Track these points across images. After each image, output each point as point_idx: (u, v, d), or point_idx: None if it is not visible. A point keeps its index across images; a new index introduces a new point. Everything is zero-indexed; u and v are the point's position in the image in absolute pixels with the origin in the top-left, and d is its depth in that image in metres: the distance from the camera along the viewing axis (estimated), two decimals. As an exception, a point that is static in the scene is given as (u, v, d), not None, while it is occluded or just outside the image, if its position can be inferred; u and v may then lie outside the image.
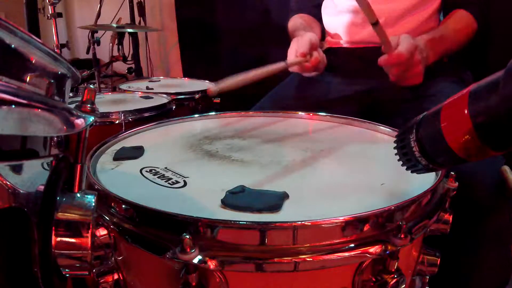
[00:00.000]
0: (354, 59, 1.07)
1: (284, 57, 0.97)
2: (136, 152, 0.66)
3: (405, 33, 1.01)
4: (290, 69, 0.99)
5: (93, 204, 0.36)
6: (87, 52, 1.99)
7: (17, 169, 0.33)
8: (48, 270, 0.34)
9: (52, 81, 0.34)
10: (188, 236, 0.39)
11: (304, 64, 0.95)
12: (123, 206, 0.46)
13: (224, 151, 0.67)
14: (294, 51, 0.97)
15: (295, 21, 1.18)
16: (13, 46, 0.28)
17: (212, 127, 0.84)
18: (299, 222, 0.41)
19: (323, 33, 1.17)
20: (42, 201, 0.34)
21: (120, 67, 2.35)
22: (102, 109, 0.75)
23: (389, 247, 0.42)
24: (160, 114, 1.09)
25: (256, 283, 0.44)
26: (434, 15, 1.03)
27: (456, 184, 0.53)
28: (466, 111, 0.37)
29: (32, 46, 0.30)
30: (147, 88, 1.43)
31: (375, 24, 0.81)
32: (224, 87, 0.79)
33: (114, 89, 1.96)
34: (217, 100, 1.37)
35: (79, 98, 0.37)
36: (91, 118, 0.35)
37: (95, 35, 1.95)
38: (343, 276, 0.45)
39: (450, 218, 0.52)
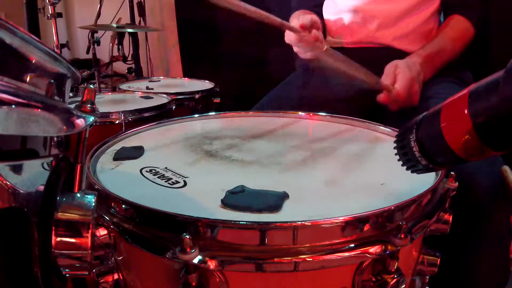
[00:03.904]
0: (354, 59, 1.07)
1: (284, 57, 0.96)
2: (136, 152, 0.66)
3: (405, 34, 1.01)
4: (286, 39, 0.95)
5: (93, 204, 0.36)
6: (87, 52, 1.99)
7: (17, 169, 0.33)
8: (48, 270, 0.34)
9: (52, 81, 0.34)
10: (188, 236, 0.39)
11: (301, 34, 0.92)
12: (123, 206, 0.46)
13: (224, 151, 0.67)
14: (295, 24, 0.95)
15: (296, 15, 1.17)
16: (13, 46, 0.28)
17: (212, 127, 0.84)
18: (299, 222, 0.41)
19: (324, 32, 1.17)
20: (42, 201, 0.34)
21: (120, 67, 2.35)
22: (102, 109, 0.74)
23: (389, 247, 0.42)
24: (160, 114, 1.09)
25: (256, 283, 0.44)
26: (434, 16, 1.03)
27: (456, 184, 0.53)
28: (466, 111, 0.37)
29: (32, 46, 0.30)
30: (147, 88, 1.43)
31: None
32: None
33: (114, 89, 1.96)
34: (217, 100, 1.37)
35: (79, 98, 0.37)
36: (91, 118, 0.35)
37: (95, 35, 1.95)
38: (343, 276, 0.45)
39: (450, 218, 0.52)
